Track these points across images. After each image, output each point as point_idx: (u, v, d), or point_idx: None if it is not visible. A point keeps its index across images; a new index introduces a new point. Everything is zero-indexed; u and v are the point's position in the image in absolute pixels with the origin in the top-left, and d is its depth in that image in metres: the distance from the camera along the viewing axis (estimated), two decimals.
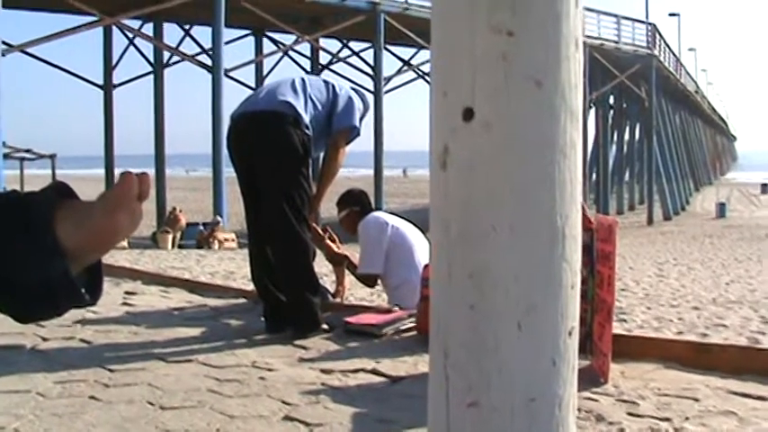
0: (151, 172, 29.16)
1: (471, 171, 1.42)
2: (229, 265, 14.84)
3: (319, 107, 5.78)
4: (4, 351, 5.16)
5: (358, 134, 6.06)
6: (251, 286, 6.75)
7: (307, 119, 5.64)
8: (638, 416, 3.74)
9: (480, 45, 1.42)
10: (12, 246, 1.14)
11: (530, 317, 1.43)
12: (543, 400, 1.48)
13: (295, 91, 5.71)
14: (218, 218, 25.67)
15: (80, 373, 4.67)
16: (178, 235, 24.72)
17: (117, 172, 33.20)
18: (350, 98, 5.96)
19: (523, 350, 1.45)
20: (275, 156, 5.52)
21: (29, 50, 27.22)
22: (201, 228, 25.51)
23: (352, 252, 7.12)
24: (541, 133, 1.42)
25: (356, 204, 6.88)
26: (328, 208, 7.32)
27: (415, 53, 38.54)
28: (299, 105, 5.63)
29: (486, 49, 1.41)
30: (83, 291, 1.19)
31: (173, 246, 23.66)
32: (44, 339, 5.49)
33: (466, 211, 1.43)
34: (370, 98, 6.44)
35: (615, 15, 48.26)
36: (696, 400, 3.95)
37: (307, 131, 5.62)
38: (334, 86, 5.98)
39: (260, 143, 5.56)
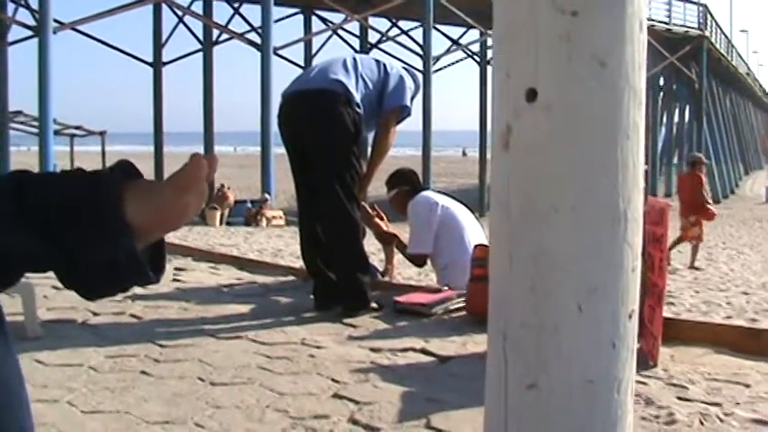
0: (200, 149, 29.35)
1: (534, 152, 1.41)
2: (277, 243, 14.89)
3: (370, 86, 5.78)
4: (56, 325, 5.22)
5: (408, 114, 6.05)
6: (299, 264, 6.78)
7: (358, 98, 5.64)
8: (688, 400, 3.71)
9: (544, 25, 1.41)
10: (80, 224, 1.16)
11: (590, 299, 1.43)
12: (602, 382, 1.47)
13: (347, 70, 5.71)
14: (266, 195, 25.77)
15: (131, 348, 4.72)
16: (226, 212, 24.84)
17: (166, 149, 33.49)
18: (401, 77, 5.95)
19: (583, 332, 1.44)
20: (326, 134, 5.53)
21: (79, 28, 27.37)
22: (249, 205, 25.61)
23: (401, 231, 7.13)
24: (604, 115, 1.41)
25: (406, 184, 6.88)
26: (376, 187, 7.31)
27: (465, 32, 38.38)
28: (351, 84, 5.63)
29: (550, 29, 1.40)
30: (148, 269, 1.20)
31: (220, 223, 23.78)
32: (95, 314, 5.55)
33: (527, 192, 1.43)
34: (419, 77, 6.41)
35: None
36: (747, 386, 3.91)
37: (358, 110, 5.62)
38: (385, 66, 5.97)
39: (311, 122, 5.57)
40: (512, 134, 1.46)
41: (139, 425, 3.51)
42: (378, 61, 6.03)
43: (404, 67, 6.22)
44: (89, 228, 1.15)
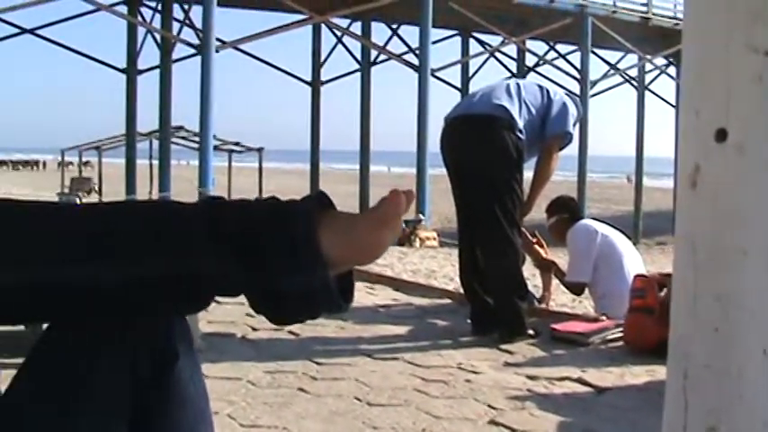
0: (355, 168, 29.69)
1: (722, 193, 1.39)
2: (431, 264, 14.89)
3: (533, 112, 5.76)
4: (216, 338, 5.34)
5: (570, 140, 6.02)
6: (452, 286, 6.79)
7: (521, 123, 5.63)
8: None
9: (736, 64, 1.39)
10: (276, 252, 1.19)
11: None
12: None
13: (510, 95, 5.71)
14: (421, 216, 25.86)
15: (289, 365, 4.79)
16: None
17: (322, 166, 33.91)
18: (564, 104, 5.92)
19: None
20: (489, 159, 5.54)
21: (241, 47, 28.00)
22: (403, 225, 25.64)
23: (558, 258, 7.08)
24: None
25: (566, 212, 6.84)
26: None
27: (622, 57, 37.86)
28: (514, 110, 5.63)
29: (742, 68, 1.38)
30: (340, 299, 1.23)
31: None
32: (254, 329, 5.66)
33: (715, 233, 1.41)
34: (581, 104, 6.38)
35: None
36: None
37: (520, 136, 5.61)
38: (548, 91, 5.95)
39: (474, 146, 5.60)
40: (699, 174, 1.44)
41: None
42: (541, 87, 6.02)
43: (566, 93, 6.19)
44: (285, 257, 1.18)
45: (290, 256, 1.18)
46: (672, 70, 38.06)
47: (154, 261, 1.20)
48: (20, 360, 1.32)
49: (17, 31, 27.26)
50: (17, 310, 1.26)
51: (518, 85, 5.88)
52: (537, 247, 6.77)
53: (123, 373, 1.24)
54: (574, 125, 6.01)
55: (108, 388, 1.23)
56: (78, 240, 1.20)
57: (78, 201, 19.92)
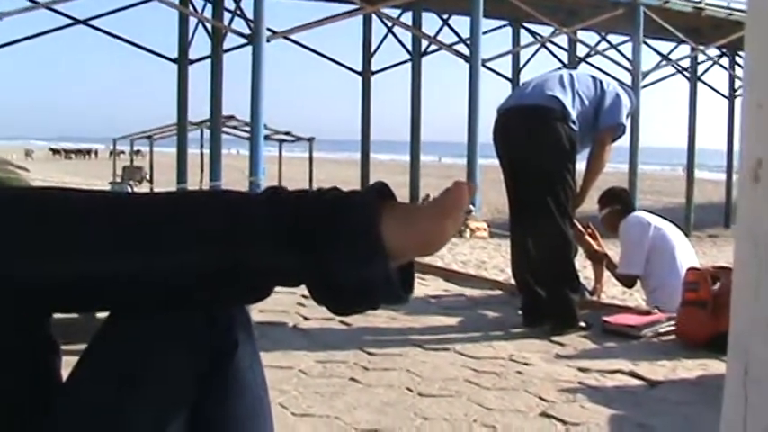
0: (405, 158, 29.64)
1: None
2: (481, 255, 14.89)
3: (586, 103, 5.73)
4: (267, 327, 5.36)
5: (623, 132, 5.98)
6: (503, 277, 6.76)
7: (574, 114, 5.60)
8: None
9: None
10: (337, 243, 1.19)
11: None
12: None
13: (563, 86, 5.68)
14: (471, 206, 25.75)
15: (340, 354, 4.81)
16: None
17: (372, 156, 33.91)
18: (617, 95, 5.88)
19: None
20: (542, 150, 5.52)
21: (291, 37, 28.06)
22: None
23: (610, 250, 7.05)
24: None
25: (618, 203, 6.80)
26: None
27: (674, 48, 37.48)
28: (567, 101, 5.60)
29: None
30: (401, 290, 1.23)
31: None
32: (305, 318, 5.68)
33: None
34: (634, 95, 6.31)
35: None
36: None
37: (573, 127, 5.58)
38: (601, 83, 5.91)
39: (527, 137, 5.58)
40: (762, 168, 1.42)
41: (348, 431, 3.57)
42: (594, 78, 5.98)
43: (620, 85, 6.15)
44: (346, 248, 1.19)
45: (352, 247, 1.19)
46: (725, 61, 37.67)
47: (214, 251, 1.21)
48: (76, 347, 1.33)
49: (70, 21, 27.51)
50: (76, 299, 1.27)
51: (571, 75, 5.85)
52: (589, 238, 6.73)
53: (183, 362, 1.25)
54: (627, 117, 5.97)
55: (168, 377, 1.24)
56: (139, 230, 1.22)
57: (130, 190, 20.10)
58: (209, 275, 1.22)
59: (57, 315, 1.31)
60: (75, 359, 1.29)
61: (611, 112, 5.81)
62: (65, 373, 1.32)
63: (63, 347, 1.40)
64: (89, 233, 1.21)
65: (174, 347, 1.25)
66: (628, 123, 6.07)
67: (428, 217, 1.23)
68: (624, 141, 6.55)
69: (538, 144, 5.53)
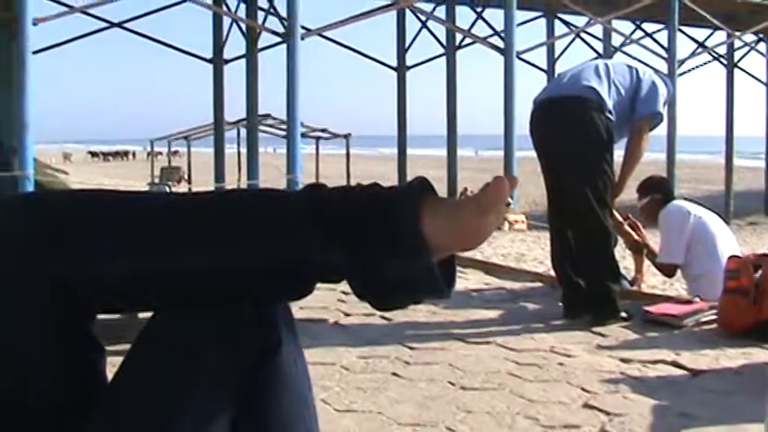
0: (442, 152, 29.54)
1: None
2: (520, 247, 14.84)
3: (623, 92, 5.70)
4: (308, 324, 5.39)
5: (661, 120, 5.94)
6: (542, 269, 6.75)
7: (610, 104, 5.58)
8: None
9: None
10: (379, 238, 1.20)
11: None
12: None
13: (599, 76, 5.66)
14: (509, 199, 25.67)
15: (382, 350, 4.83)
16: None
17: (409, 151, 33.87)
18: (653, 83, 5.84)
19: None
20: (579, 141, 5.51)
21: (325, 34, 28.04)
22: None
23: (651, 239, 7.01)
24: None
25: (658, 192, 6.76)
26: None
27: (710, 34, 37.10)
28: (603, 91, 5.58)
29: None
30: (443, 284, 1.23)
31: None
32: (346, 315, 5.71)
33: None
34: (671, 83, 6.26)
35: None
36: None
37: (610, 117, 5.56)
38: (637, 71, 5.88)
39: (564, 128, 5.57)
40: None
41: (391, 426, 3.59)
42: (630, 67, 5.95)
43: (656, 73, 6.11)
44: (388, 243, 1.19)
45: (394, 242, 1.19)
46: (762, 47, 37.25)
47: (257, 249, 1.22)
48: (120, 347, 1.35)
49: (106, 25, 27.67)
50: (123, 299, 1.29)
51: (607, 65, 5.83)
52: (630, 228, 6.71)
53: (228, 360, 1.26)
54: (664, 105, 5.93)
55: (213, 375, 1.25)
56: (181, 230, 1.23)
57: (168, 190, 20.22)
58: (254, 272, 1.24)
59: (100, 316, 1.33)
60: (118, 359, 1.30)
61: (648, 101, 5.78)
62: (109, 374, 1.34)
63: (113, 348, 1.42)
64: (136, 233, 1.23)
65: (219, 345, 1.26)
66: (665, 112, 6.04)
67: (470, 212, 1.24)
68: (661, 130, 6.51)
69: (575, 135, 5.52)
